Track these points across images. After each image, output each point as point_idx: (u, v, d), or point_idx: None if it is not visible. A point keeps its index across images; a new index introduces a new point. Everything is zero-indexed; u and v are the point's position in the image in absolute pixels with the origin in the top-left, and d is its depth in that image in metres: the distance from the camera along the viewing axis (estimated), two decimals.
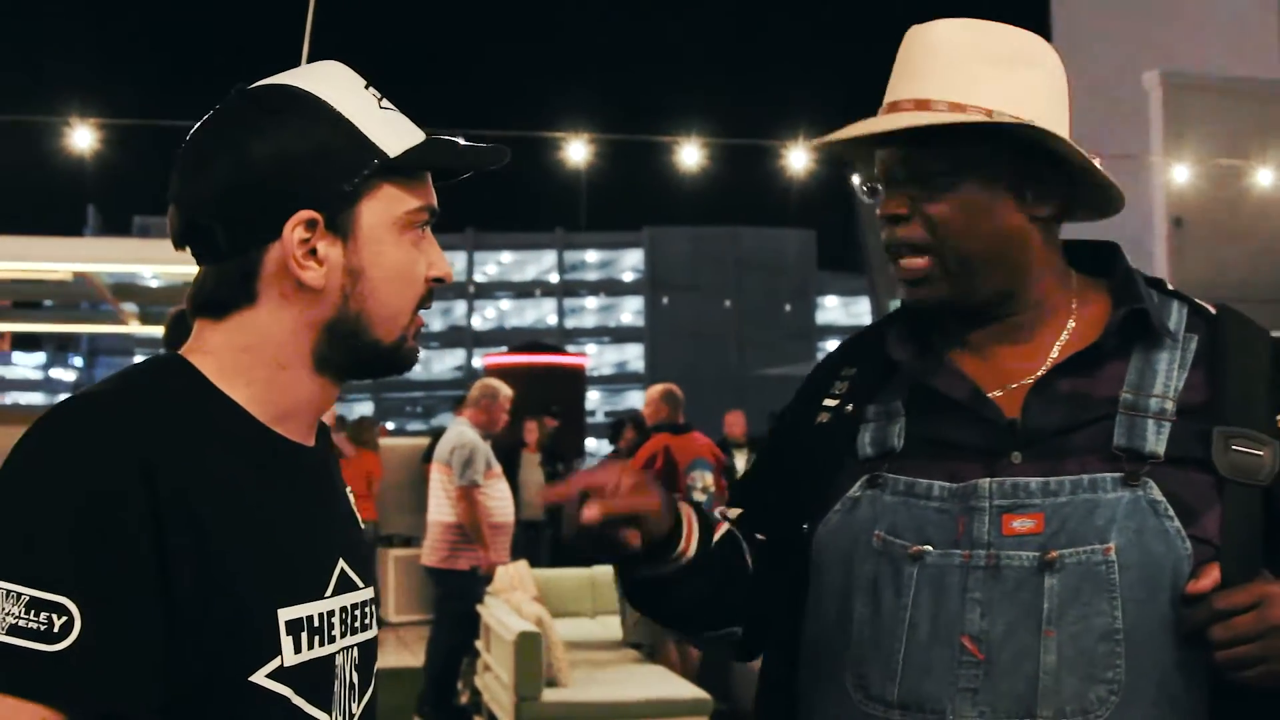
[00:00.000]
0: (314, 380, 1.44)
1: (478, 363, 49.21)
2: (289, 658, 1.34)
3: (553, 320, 66.48)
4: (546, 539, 13.30)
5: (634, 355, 66.40)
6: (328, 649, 1.40)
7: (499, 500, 7.98)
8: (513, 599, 7.57)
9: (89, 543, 1.23)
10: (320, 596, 1.41)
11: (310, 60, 1.56)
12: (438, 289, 1.47)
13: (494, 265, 67.68)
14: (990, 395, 1.68)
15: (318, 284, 1.39)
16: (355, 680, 1.47)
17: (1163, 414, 1.62)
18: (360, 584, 1.50)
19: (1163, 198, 16.51)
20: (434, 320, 66.16)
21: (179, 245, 1.43)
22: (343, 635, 1.44)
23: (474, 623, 8.04)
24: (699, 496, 7.91)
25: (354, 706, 1.46)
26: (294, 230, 1.38)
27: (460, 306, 66.09)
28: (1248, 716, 1.55)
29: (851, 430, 1.75)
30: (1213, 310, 1.72)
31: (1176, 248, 17.32)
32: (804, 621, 1.73)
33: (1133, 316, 1.67)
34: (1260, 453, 1.59)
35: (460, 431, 7.94)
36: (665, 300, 64.26)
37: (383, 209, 1.42)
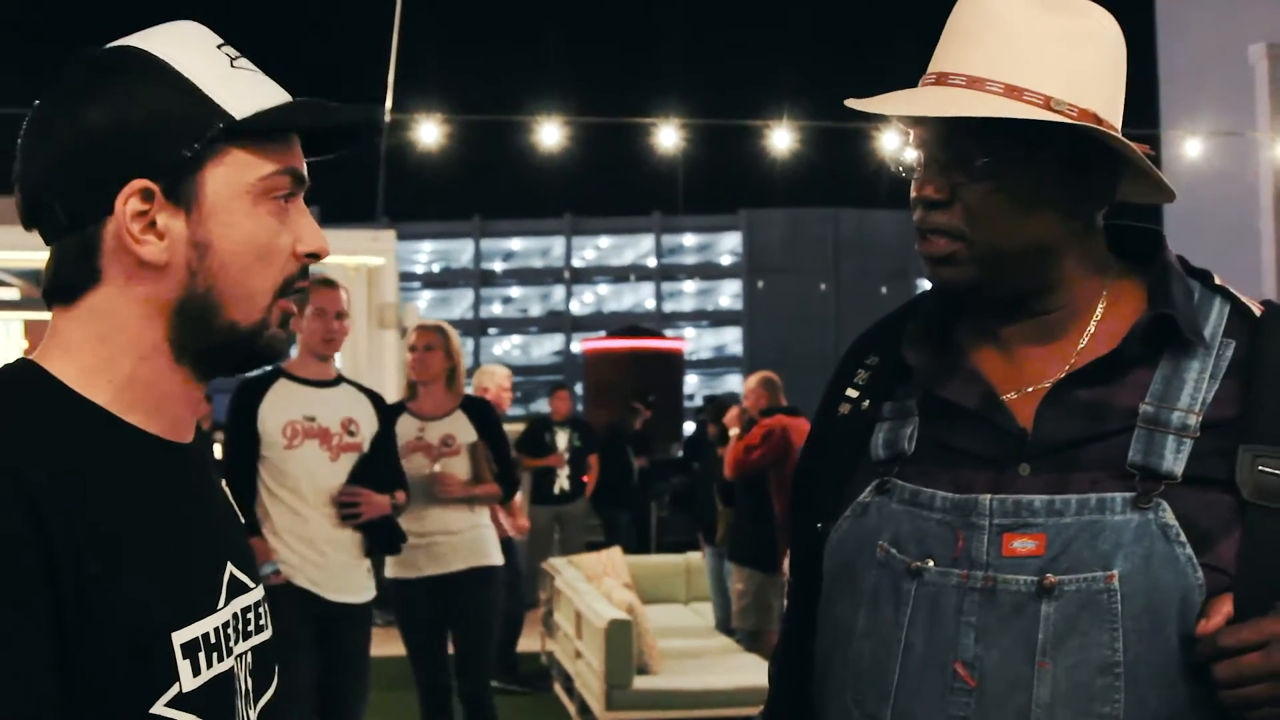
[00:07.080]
0: (176, 372, 1.32)
1: (576, 347, 49.40)
2: (188, 683, 1.24)
3: (651, 304, 66.42)
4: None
5: (732, 339, 66.21)
6: (226, 664, 1.31)
7: None
8: (604, 586, 7.60)
9: None
10: (214, 609, 1.30)
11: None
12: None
13: (592, 250, 67.76)
14: (1006, 397, 1.57)
15: (158, 259, 1.28)
16: (250, 686, 1.38)
17: (1185, 429, 1.49)
18: (250, 584, 1.40)
19: (1269, 174, 16.09)
20: (532, 305, 66.57)
21: (27, 226, 1.33)
22: (237, 643, 1.34)
23: (513, 591, 8.09)
24: None
25: (251, 713, 1.38)
26: (127, 202, 1.27)
27: (559, 291, 66.26)
28: None
29: (867, 427, 1.66)
30: (1258, 311, 1.57)
31: None
32: (815, 630, 1.67)
33: (1160, 320, 1.54)
34: None
35: None
36: (762, 284, 64.02)
37: (232, 176, 1.29)
